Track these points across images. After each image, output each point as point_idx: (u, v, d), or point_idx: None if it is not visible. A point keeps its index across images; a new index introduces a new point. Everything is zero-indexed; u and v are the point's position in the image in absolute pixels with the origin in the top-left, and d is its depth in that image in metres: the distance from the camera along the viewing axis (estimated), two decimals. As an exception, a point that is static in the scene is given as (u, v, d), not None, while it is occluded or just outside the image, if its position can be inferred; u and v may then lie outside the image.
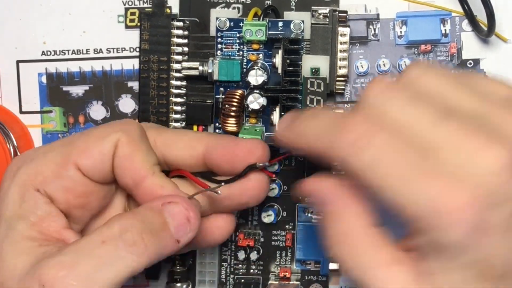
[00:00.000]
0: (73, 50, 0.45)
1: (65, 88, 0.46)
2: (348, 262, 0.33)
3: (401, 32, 0.45)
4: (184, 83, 0.44)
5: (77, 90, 0.46)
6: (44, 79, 0.46)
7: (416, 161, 0.30)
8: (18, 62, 0.45)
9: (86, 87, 0.46)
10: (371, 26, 0.45)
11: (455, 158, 0.30)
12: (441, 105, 0.31)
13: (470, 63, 0.46)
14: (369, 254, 0.32)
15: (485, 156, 0.29)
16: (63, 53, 0.45)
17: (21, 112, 0.46)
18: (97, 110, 0.46)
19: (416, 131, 0.30)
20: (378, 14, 0.45)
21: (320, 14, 0.43)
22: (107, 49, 0.45)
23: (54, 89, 0.46)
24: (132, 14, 0.45)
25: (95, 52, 0.45)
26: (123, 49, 0.45)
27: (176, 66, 0.44)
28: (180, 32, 0.43)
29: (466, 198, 0.29)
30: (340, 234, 0.33)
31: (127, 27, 0.45)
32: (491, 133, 0.30)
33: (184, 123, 0.44)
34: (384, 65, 0.46)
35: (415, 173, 0.30)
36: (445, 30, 0.45)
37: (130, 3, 0.45)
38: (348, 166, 0.31)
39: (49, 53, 0.45)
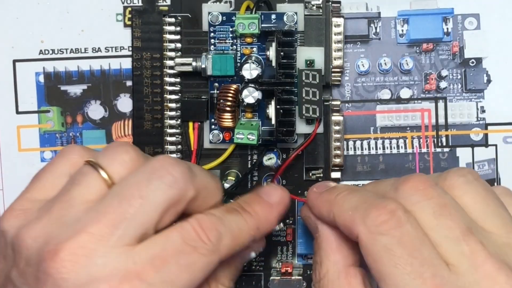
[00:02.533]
0: (71, 49, 0.45)
1: (63, 88, 0.45)
2: None
3: (402, 30, 0.44)
4: (178, 79, 0.43)
5: (75, 90, 0.45)
6: (41, 79, 0.45)
7: (431, 263, 0.31)
8: (14, 61, 0.45)
9: (84, 86, 0.45)
10: (372, 25, 0.44)
11: (466, 278, 0.31)
12: (470, 222, 0.32)
13: (473, 62, 0.44)
14: None
15: (495, 284, 0.31)
16: (61, 52, 0.45)
17: (18, 112, 0.45)
18: (95, 110, 0.45)
19: (437, 238, 0.32)
20: (379, 13, 0.44)
21: (313, 5, 0.42)
22: (105, 48, 0.45)
23: (51, 89, 0.45)
24: (130, 11, 0.44)
25: (94, 51, 0.45)
26: (122, 47, 0.45)
27: (169, 62, 0.43)
28: (172, 28, 0.43)
29: None
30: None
31: (125, 25, 0.45)
32: (505, 264, 0.31)
33: (179, 120, 0.43)
34: (385, 64, 0.45)
35: (427, 274, 0.31)
36: (447, 28, 0.44)
37: (128, 1, 0.44)
38: (362, 244, 0.32)
39: (46, 52, 0.45)
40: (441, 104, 0.45)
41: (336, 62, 0.42)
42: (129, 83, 0.45)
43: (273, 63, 0.40)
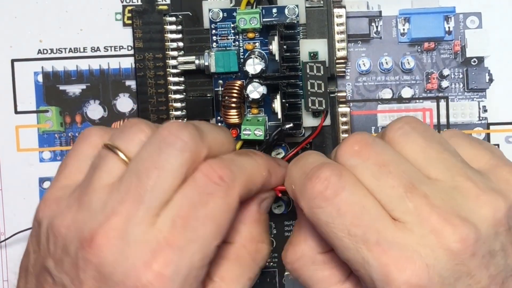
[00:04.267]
0: (70, 49, 0.43)
1: (61, 87, 0.44)
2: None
3: (404, 29, 0.43)
4: (182, 78, 0.42)
5: (74, 89, 0.44)
6: (40, 78, 0.44)
7: (375, 228, 0.30)
8: (13, 61, 0.43)
9: (83, 86, 0.44)
10: (373, 24, 0.43)
11: (413, 234, 0.30)
12: (413, 175, 0.31)
13: (474, 61, 0.43)
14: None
15: (441, 237, 0.29)
16: (59, 52, 0.43)
17: (16, 112, 0.44)
18: (94, 110, 0.43)
19: (382, 198, 0.31)
20: (380, 12, 0.43)
21: (314, -3, 0.41)
22: (104, 47, 0.43)
23: (50, 88, 0.44)
24: (130, 11, 0.43)
25: (92, 51, 0.43)
26: (121, 47, 0.43)
27: (172, 62, 0.41)
28: (173, 27, 0.41)
29: (415, 275, 0.29)
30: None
31: (124, 25, 0.43)
32: (451, 213, 0.30)
33: (185, 119, 0.42)
34: (386, 63, 0.43)
35: (372, 240, 0.30)
36: (449, 27, 0.43)
37: (127, 0, 0.43)
38: (309, 218, 0.32)
39: (45, 51, 0.43)
40: (442, 103, 0.43)
41: (340, 53, 0.40)
42: (128, 82, 0.43)
43: (277, 57, 0.39)
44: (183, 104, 0.42)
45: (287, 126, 0.39)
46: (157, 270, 0.30)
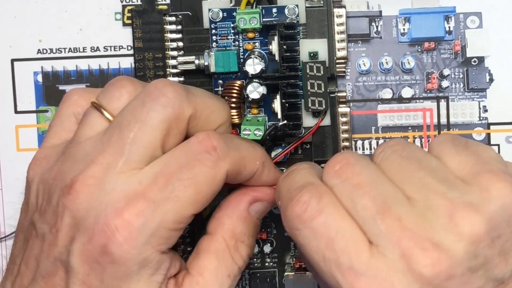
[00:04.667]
0: (70, 48, 0.43)
1: (61, 87, 0.43)
2: None
3: (404, 29, 0.43)
4: (181, 78, 0.41)
5: (74, 89, 0.44)
6: (39, 78, 0.43)
7: (348, 253, 0.29)
8: (12, 61, 0.43)
9: (83, 86, 0.43)
10: (373, 23, 0.43)
11: (386, 257, 0.29)
12: (390, 196, 0.30)
13: (475, 61, 0.43)
14: None
15: (411, 262, 0.29)
16: (59, 51, 0.43)
17: (16, 111, 0.43)
18: (94, 109, 0.43)
19: (358, 219, 0.30)
20: (380, 11, 0.43)
21: (314, -3, 0.41)
22: (104, 47, 0.43)
23: (50, 88, 0.43)
24: (130, 11, 0.42)
25: (92, 50, 0.43)
26: (121, 47, 0.43)
27: (172, 62, 0.41)
28: (173, 27, 0.41)
29: None
30: None
31: (124, 24, 0.43)
32: (423, 236, 0.29)
33: None
34: (386, 63, 0.43)
35: (345, 265, 0.29)
36: (449, 27, 0.43)
37: (127, 0, 0.43)
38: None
39: (45, 51, 0.43)
40: (443, 103, 0.43)
41: (340, 53, 0.40)
42: (128, 82, 0.43)
43: (277, 57, 0.39)
44: (183, 104, 0.41)
45: (282, 123, 0.39)
46: (127, 218, 0.30)
